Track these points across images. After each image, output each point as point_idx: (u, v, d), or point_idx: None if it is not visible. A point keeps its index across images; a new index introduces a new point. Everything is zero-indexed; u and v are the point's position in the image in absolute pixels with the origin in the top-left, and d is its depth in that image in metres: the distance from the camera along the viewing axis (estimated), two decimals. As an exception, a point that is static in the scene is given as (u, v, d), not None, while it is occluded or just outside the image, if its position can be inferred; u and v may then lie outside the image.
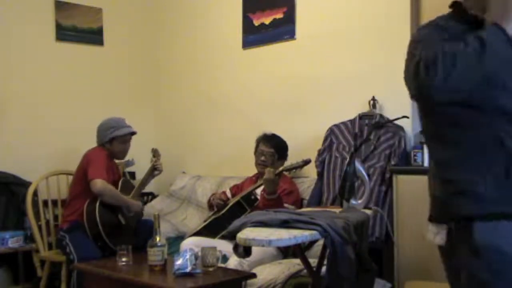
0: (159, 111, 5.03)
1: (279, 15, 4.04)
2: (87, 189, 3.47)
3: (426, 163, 3.06)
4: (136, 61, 4.96)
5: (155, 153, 3.90)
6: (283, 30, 4.01)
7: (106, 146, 3.70)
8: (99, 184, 3.43)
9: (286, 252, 3.20)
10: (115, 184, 3.62)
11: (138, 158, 4.17)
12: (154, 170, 3.79)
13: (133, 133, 3.78)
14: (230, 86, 4.41)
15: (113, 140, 3.68)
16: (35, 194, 3.79)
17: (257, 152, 3.65)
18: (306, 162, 3.32)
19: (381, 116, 3.38)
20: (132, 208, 3.62)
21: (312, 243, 2.95)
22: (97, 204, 3.45)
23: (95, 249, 3.37)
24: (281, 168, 3.28)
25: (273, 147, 3.59)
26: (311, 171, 3.67)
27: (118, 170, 3.86)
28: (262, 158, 3.59)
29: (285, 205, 3.30)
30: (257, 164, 3.62)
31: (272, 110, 4.10)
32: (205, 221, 3.59)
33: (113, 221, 3.50)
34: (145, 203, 4.34)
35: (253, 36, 4.22)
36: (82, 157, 3.65)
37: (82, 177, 3.55)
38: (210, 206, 3.70)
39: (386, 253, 3.13)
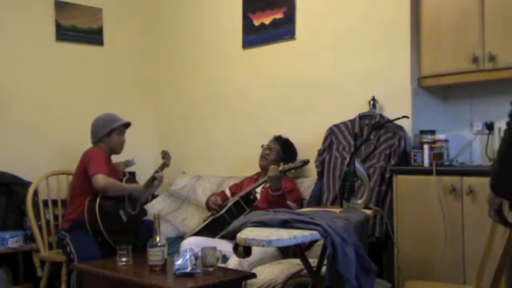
0: (159, 111, 5.03)
1: (279, 15, 4.04)
2: (87, 186, 3.48)
3: (426, 163, 3.06)
4: (136, 61, 4.97)
5: (165, 155, 3.93)
6: (283, 30, 4.01)
7: (105, 141, 3.68)
8: (101, 179, 3.44)
9: (286, 252, 3.20)
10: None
11: (138, 158, 4.16)
12: (153, 180, 3.80)
13: (128, 124, 3.78)
14: (230, 86, 4.41)
15: (112, 133, 3.68)
16: (35, 194, 3.79)
17: (264, 146, 3.68)
18: (305, 163, 3.32)
19: (381, 116, 3.38)
20: (136, 194, 3.65)
21: (312, 243, 2.95)
22: (98, 200, 3.45)
23: (95, 249, 3.36)
24: (280, 169, 3.29)
25: (281, 146, 3.63)
26: (311, 171, 3.67)
27: (117, 171, 3.85)
28: (266, 151, 3.63)
29: (288, 202, 3.32)
30: (260, 156, 3.66)
31: (272, 110, 4.10)
32: (204, 221, 3.59)
33: (113, 217, 3.49)
34: (145, 203, 4.34)
35: (253, 36, 4.22)
36: (82, 156, 3.65)
37: (82, 175, 3.55)
38: (208, 208, 3.69)
39: (386, 253, 3.13)
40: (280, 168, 3.30)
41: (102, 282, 2.82)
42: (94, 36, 4.68)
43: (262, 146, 3.71)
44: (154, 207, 4.27)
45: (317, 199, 3.44)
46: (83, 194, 3.51)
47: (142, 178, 4.19)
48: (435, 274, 2.86)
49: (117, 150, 3.75)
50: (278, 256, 3.17)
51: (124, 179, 3.68)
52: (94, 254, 3.28)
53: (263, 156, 3.66)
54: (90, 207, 3.44)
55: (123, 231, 3.50)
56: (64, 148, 4.38)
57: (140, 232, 3.56)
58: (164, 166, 3.91)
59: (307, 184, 3.63)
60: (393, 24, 3.40)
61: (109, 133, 3.68)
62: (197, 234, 3.44)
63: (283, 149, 3.63)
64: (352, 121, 3.47)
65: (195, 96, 4.70)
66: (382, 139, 3.29)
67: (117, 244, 3.31)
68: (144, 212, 3.79)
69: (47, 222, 3.84)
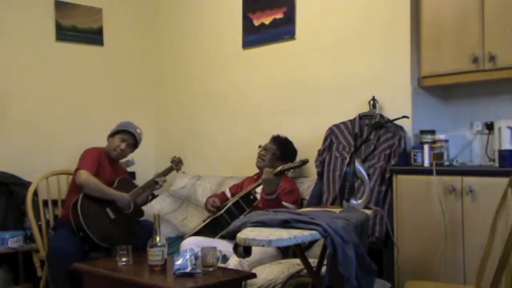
0: (159, 111, 5.03)
1: (279, 15, 4.04)
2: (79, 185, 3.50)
3: (426, 163, 3.06)
4: (136, 61, 4.97)
5: (177, 160, 3.98)
6: (283, 30, 4.01)
7: (109, 140, 3.77)
8: (82, 175, 3.46)
9: (286, 252, 3.20)
10: (111, 182, 3.62)
11: (138, 158, 4.16)
12: (155, 184, 3.78)
13: (134, 138, 3.78)
14: (230, 86, 4.41)
15: (115, 135, 3.74)
16: (35, 194, 3.79)
17: (261, 146, 3.67)
18: (304, 162, 3.30)
19: (381, 116, 3.38)
20: (119, 202, 3.57)
21: (312, 243, 2.95)
22: (81, 195, 3.45)
23: (71, 242, 3.30)
24: (279, 168, 3.27)
25: (277, 145, 3.61)
26: (311, 171, 3.67)
27: (120, 170, 3.84)
28: (263, 152, 3.62)
29: (285, 203, 3.30)
30: (257, 157, 3.65)
31: (272, 110, 4.10)
32: (204, 221, 3.59)
33: (98, 213, 3.48)
34: (145, 203, 4.33)
35: (253, 36, 4.22)
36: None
37: (74, 173, 3.59)
38: (208, 210, 3.68)
39: (386, 253, 3.13)
40: (277, 170, 3.26)
41: (102, 282, 2.82)
42: (94, 36, 4.68)
43: (260, 146, 3.70)
44: (154, 207, 4.27)
45: (317, 199, 3.44)
46: (74, 193, 3.52)
47: (142, 178, 4.20)
48: (435, 274, 2.86)
49: (112, 154, 3.74)
50: (278, 256, 3.17)
51: (116, 180, 3.68)
52: (67, 249, 3.24)
53: (259, 157, 3.64)
54: (74, 204, 3.44)
55: (111, 229, 3.47)
56: (64, 148, 4.39)
57: (138, 232, 3.56)
58: (170, 170, 3.91)
59: (307, 184, 3.63)
60: (393, 24, 3.40)
61: (112, 134, 3.75)
62: (197, 234, 3.44)
63: (279, 148, 3.61)
64: (352, 121, 3.47)
65: (195, 96, 4.70)
66: (382, 139, 3.29)
67: (103, 241, 3.32)
68: (140, 213, 3.79)
69: (47, 222, 3.84)
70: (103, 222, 3.48)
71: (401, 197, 3.04)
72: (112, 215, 3.54)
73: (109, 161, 3.73)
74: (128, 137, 3.76)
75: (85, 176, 3.46)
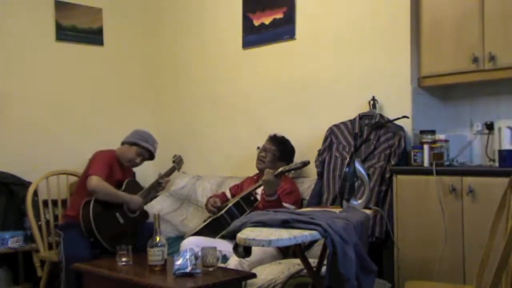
0: (159, 111, 5.03)
1: (279, 15, 4.04)
2: (86, 185, 3.49)
3: (426, 163, 3.06)
4: (136, 61, 4.97)
5: (177, 159, 3.96)
6: (283, 30, 4.01)
7: (125, 147, 3.71)
8: (93, 180, 3.44)
9: (286, 252, 3.20)
10: (119, 184, 3.62)
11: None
12: (158, 184, 3.78)
13: (151, 154, 3.75)
14: (230, 86, 4.41)
15: (134, 146, 3.68)
16: (35, 194, 3.79)
17: (259, 148, 3.67)
18: (305, 164, 3.28)
19: (381, 116, 3.38)
20: (130, 205, 3.59)
21: (312, 243, 2.95)
22: (92, 201, 3.45)
23: (84, 250, 3.32)
24: (280, 170, 3.26)
25: (276, 146, 3.61)
26: (311, 171, 3.67)
27: (128, 171, 3.83)
28: (262, 154, 3.61)
29: (285, 204, 3.30)
30: (256, 159, 3.64)
31: (272, 110, 4.10)
32: (205, 221, 3.59)
33: (109, 218, 3.48)
34: (145, 203, 4.33)
35: (253, 36, 4.22)
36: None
37: (84, 174, 3.58)
38: (209, 210, 3.68)
39: (386, 253, 3.13)
40: (278, 171, 3.24)
41: (102, 282, 2.82)
42: (94, 36, 4.68)
43: (258, 148, 3.69)
44: (154, 207, 4.26)
45: (317, 199, 3.44)
46: (82, 193, 3.52)
47: (141, 178, 4.19)
48: (435, 274, 2.86)
49: (124, 163, 3.71)
50: (278, 256, 3.17)
51: (125, 181, 3.67)
52: (81, 252, 3.26)
53: (259, 159, 3.63)
54: (85, 208, 3.43)
55: (120, 233, 3.47)
56: (64, 148, 4.39)
57: (139, 233, 3.55)
58: (173, 170, 3.91)
59: (307, 184, 3.63)
60: (393, 24, 3.40)
61: (133, 143, 3.69)
62: (197, 234, 3.43)
63: (279, 149, 3.61)
64: (352, 121, 3.47)
65: (195, 96, 4.70)
66: (382, 139, 3.29)
67: (112, 246, 3.30)
68: (145, 215, 3.78)
69: (47, 222, 3.84)
70: (113, 227, 3.49)
71: (401, 197, 3.04)
72: (121, 220, 3.54)
73: (119, 163, 3.71)
74: (145, 152, 3.74)
75: (96, 181, 3.44)
